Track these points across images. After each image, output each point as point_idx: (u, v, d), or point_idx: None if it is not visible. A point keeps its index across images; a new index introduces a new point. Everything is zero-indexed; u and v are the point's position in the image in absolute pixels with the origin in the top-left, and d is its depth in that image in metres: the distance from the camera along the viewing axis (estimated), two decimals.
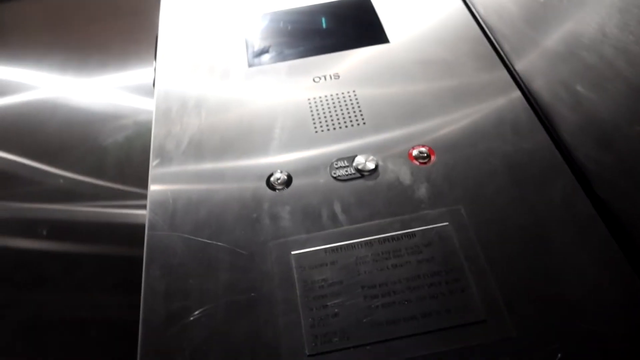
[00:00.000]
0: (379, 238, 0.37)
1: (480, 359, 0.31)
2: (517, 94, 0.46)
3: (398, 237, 0.37)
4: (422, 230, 0.37)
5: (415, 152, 0.42)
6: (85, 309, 0.62)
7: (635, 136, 0.35)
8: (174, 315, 0.35)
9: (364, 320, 0.33)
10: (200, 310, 0.35)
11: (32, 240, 0.68)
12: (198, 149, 0.45)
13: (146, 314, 0.36)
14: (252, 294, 0.35)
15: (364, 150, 0.43)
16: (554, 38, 0.43)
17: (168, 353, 0.34)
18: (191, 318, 0.35)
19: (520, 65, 0.48)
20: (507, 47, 0.50)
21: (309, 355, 0.32)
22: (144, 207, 0.43)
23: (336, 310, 0.34)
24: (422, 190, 0.40)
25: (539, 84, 0.46)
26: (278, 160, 0.43)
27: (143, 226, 0.41)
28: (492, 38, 0.52)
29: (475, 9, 0.55)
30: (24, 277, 0.65)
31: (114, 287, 0.62)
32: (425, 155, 0.42)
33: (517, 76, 0.48)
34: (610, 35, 0.36)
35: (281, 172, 0.42)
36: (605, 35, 0.37)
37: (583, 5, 0.39)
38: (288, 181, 0.41)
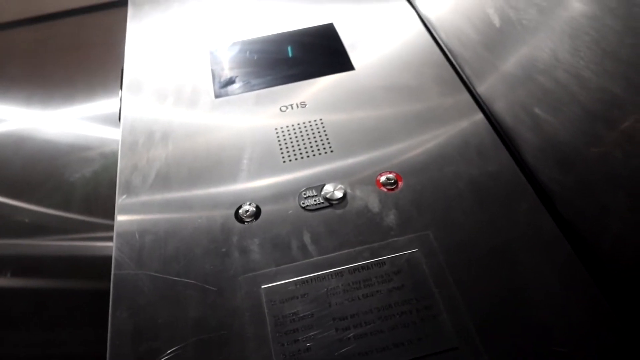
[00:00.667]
0: (349, 268, 0.37)
1: None
2: (480, 116, 0.47)
3: (368, 266, 0.37)
4: (391, 257, 0.37)
5: (382, 179, 0.42)
6: (54, 346, 0.60)
7: (592, 158, 0.36)
8: (142, 357, 0.34)
9: (336, 354, 0.33)
10: (170, 351, 0.34)
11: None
12: (165, 182, 0.45)
13: (113, 357, 0.35)
14: (223, 332, 0.35)
15: (332, 178, 0.43)
16: (511, 62, 0.45)
17: None
18: (161, 359, 0.34)
19: (481, 89, 0.49)
20: (468, 71, 0.52)
21: None
22: (112, 239, 0.42)
23: (308, 344, 0.33)
24: (391, 217, 0.40)
25: (500, 107, 0.47)
26: (247, 191, 0.43)
27: (111, 258, 0.40)
28: (454, 62, 0.53)
29: (437, 35, 0.57)
30: None
31: (82, 321, 0.61)
32: (393, 181, 0.42)
33: (479, 99, 0.49)
34: (563, 60, 0.37)
35: (250, 204, 0.42)
36: (558, 60, 0.38)
37: (536, 31, 0.40)
38: (257, 213, 0.41)
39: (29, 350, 0.60)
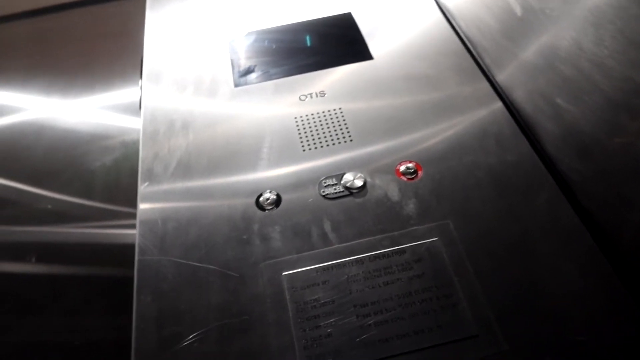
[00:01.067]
0: (370, 255, 0.37)
1: None
2: (499, 105, 0.47)
3: (388, 254, 0.37)
4: (411, 246, 0.38)
5: (402, 168, 0.43)
6: (76, 333, 0.61)
7: (614, 148, 0.36)
8: (166, 341, 0.35)
9: (357, 340, 0.33)
10: (193, 335, 0.35)
11: (22, 264, 0.67)
12: (186, 170, 0.46)
13: (138, 341, 0.36)
14: (245, 317, 0.36)
15: (352, 167, 0.44)
16: (532, 51, 0.44)
17: None
18: (184, 343, 0.35)
19: (501, 78, 0.49)
20: (487, 60, 0.51)
21: None
22: (133, 226, 0.43)
23: (329, 330, 0.34)
24: (411, 206, 0.40)
25: (520, 96, 0.47)
26: (267, 179, 0.44)
27: (133, 246, 0.41)
28: (473, 51, 0.53)
29: (457, 23, 0.56)
30: (14, 302, 0.64)
31: (104, 309, 0.62)
32: (412, 170, 0.42)
33: (498, 88, 0.49)
34: (586, 49, 0.37)
35: (270, 192, 0.42)
36: (581, 49, 0.38)
37: (559, 20, 0.40)
38: (277, 201, 0.42)
39: (50, 335, 0.61)
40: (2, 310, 0.64)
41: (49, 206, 0.68)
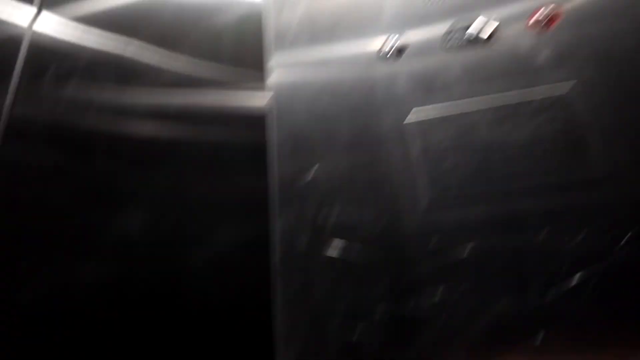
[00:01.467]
0: (496, 105, 0.38)
1: (597, 217, 0.33)
2: None
3: (516, 102, 0.37)
4: (541, 95, 0.37)
5: (536, 17, 0.40)
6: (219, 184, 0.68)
7: None
8: (300, 172, 0.40)
9: (480, 176, 0.35)
10: (324, 165, 0.39)
11: (162, 122, 0.74)
12: (311, 26, 0.47)
13: (275, 174, 0.41)
14: (372, 155, 0.39)
15: (481, 14, 0.42)
16: None
17: (297, 204, 0.39)
18: (316, 173, 0.39)
19: None
20: None
21: (426, 209, 0.36)
22: (262, 88, 0.46)
23: (452, 167, 0.36)
24: (543, 55, 0.39)
25: None
26: (390, 30, 0.44)
27: (262, 106, 0.45)
28: None
29: None
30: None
31: (240, 168, 0.68)
32: (548, 19, 0.40)
33: None
34: None
35: (394, 41, 0.43)
36: None
37: None
38: (401, 50, 0.42)
39: (198, 191, 0.68)
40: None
41: (179, 65, 0.73)
